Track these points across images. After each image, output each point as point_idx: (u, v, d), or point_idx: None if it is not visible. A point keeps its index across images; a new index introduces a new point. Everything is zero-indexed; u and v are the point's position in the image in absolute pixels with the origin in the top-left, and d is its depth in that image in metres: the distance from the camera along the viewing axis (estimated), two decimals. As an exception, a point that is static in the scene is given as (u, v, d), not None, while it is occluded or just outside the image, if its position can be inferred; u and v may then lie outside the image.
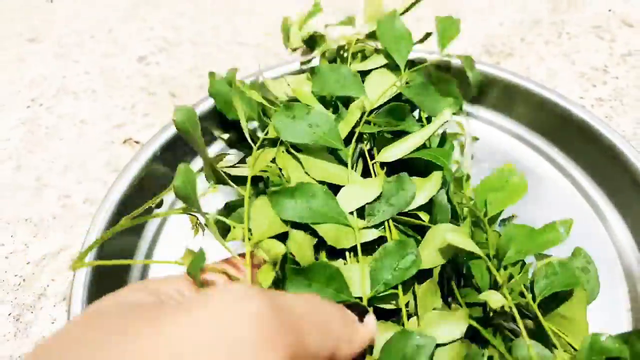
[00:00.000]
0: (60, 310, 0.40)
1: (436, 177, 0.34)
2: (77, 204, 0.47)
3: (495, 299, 0.28)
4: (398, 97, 0.40)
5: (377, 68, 0.43)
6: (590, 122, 0.44)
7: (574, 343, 0.29)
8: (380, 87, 0.41)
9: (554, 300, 0.31)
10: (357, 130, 0.37)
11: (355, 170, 0.36)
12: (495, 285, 0.32)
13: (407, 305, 0.30)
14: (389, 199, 0.33)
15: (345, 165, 0.35)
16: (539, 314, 0.29)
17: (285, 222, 0.31)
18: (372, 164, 0.36)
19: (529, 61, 0.59)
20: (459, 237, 0.30)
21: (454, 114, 0.45)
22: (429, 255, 0.31)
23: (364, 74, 0.42)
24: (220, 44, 0.65)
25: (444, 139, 0.40)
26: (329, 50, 0.47)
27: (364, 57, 0.45)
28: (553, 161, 0.48)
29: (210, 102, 0.46)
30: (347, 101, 0.40)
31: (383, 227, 0.33)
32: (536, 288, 0.30)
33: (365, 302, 0.28)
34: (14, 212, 0.47)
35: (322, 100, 0.40)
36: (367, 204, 0.33)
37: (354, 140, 0.36)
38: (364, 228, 0.32)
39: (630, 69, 0.57)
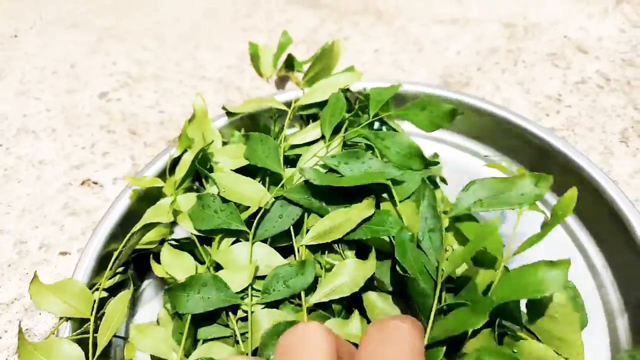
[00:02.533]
0: (12, 362, 0.40)
1: (367, 204, 0.35)
2: (32, 251, 0.47)
3: None
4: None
5: (314, 141, 0.44)
6: (563, 151, 0.45)
7: None
8: (308, 157, 0.42)
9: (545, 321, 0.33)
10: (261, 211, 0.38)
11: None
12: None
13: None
14: (286, 280, 0.35)
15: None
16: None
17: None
18: (298, 245, 0.38)
19: (485, 91, 0.60)
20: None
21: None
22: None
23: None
24: (183, 79, 0.65)
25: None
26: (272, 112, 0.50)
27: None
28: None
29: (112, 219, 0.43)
30: (272, 173, 0.42)
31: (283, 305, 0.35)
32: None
33: None
34: (-32, 261, 0.47)
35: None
36: (263, 281, 0.36)
37: (256, 220, 0.38)
38: (257, 303, 0.35)
39: (583, 97, 0.58)
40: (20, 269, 0.46)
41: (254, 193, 0.39)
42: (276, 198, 0.39)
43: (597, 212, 0.43)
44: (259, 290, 0.36)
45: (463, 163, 0.52)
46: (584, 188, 0.43)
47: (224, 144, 0.46)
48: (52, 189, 0.52)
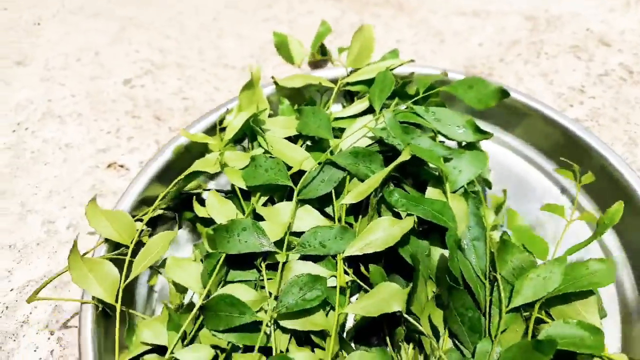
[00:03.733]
0: (43, 337, 0.41)
1: (407, 219, 0.36)
2: (60, 230, 0.48)
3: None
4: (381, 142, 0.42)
5: (359, 114, 0.45)
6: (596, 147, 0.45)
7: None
8: (357, 127, 0.44)
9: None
10: (307, 173, 0.40)
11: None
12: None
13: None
14: (323, 240, 0.37)
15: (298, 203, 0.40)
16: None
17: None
18: (338, 204, 0.39)
19: (508, 81, 0.60)
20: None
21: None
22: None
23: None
24: (205, 67, 0.66)
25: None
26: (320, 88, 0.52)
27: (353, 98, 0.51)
28: (557, 182, 0.49)
29: (158, 164, 0.46)
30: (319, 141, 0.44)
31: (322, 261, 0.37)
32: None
33: (266, 320, 0.34)
34: (-2, 239, 0.47)
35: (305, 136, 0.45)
36: (300, 236, 0.37)
37: (301, 181, 0.40)
38: (290, 253, 0.37)
39: (606, 89, 0.58)
40: (49, 248, 0.46)
41: (300, 156, 0.42)
42: (322, 163, 0.40)
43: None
44: (292, 248, 0.38)
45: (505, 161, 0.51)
46: (606, 180, 0.44)
47: (269, 116, 0.49)
48: (79, 172, 0.53)
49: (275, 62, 0.65)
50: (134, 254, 0.38)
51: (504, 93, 0.43)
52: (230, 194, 0.43)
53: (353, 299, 0.38)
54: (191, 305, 0.37)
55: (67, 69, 0.66)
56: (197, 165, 0.43)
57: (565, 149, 0.47)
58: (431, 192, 0.38)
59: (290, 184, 0.39)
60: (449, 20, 0.70)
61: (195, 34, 0.72)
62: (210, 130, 0.49)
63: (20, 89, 0.63)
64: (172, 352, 0.34)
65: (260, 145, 0.44)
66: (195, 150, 0.47)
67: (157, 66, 0.66)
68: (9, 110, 0.60)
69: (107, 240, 0.40)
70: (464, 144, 0.44)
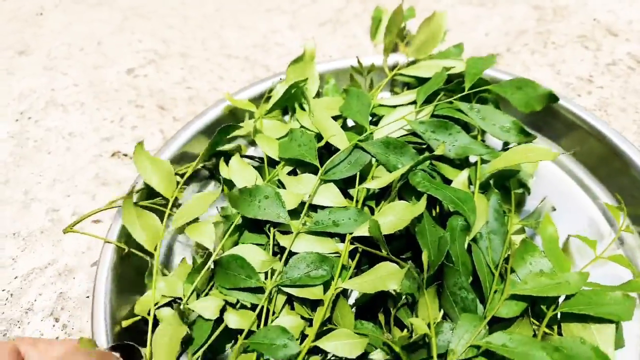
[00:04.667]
0: (48, 324, 0.40)
1: (420, 203, 0.35)
2: (64, 218, 0.47)
3: (419, 325, 0.31)
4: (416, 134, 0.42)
5: (404, 104, 0.45)
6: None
7: None
8: (395, 118, 0.44)
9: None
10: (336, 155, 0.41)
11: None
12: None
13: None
14: (337, 220, 0.37)
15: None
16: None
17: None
18: (359, 187, 0.40)
19: (515, 71, 0.59)
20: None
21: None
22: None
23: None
24: (209, 57, 0.65)
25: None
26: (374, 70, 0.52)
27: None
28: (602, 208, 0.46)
29: (203, 121, 0.48)
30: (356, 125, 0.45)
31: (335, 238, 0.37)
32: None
33: (268, 288, 0.35)
34: (2, 227, 0.47)
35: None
36: (314, 212, 0.38)
37: (330, 160, 0.40)
38: (304, 231, 0.37)
39: (614, 79, 0.58)
40: (53, 236, 0.46)
41: (335, 130, 0.42)
42: (355, 146, 0.41)
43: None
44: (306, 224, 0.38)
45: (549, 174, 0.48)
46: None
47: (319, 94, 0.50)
48: (83, 160, 0.53)
49: (280, 53, 0.65)
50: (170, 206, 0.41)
51: (552, 97, 0.42)
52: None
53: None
54: (206, 262, 0.38)
55: (70, 58, 0.66)
56: (232, 130, 0.44)
57: (617, 172, 0.45)
58: (457, 185, 0.38)
59: (317, 163, 0.40)
60: (455, 10, 0.70)
61: (198, 24, 0.71)
62: (259, 99, 0.50)
63: (23, 79, 0.63)
64: (186, 303, 0.35)
65: (298, 121, 0.45)
66: (242, 117, 0.49)
67: (160, 56, 0.65)
68: (12, 100, 0.60)
69: (145, 188, 0.42)
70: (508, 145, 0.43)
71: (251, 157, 0.46)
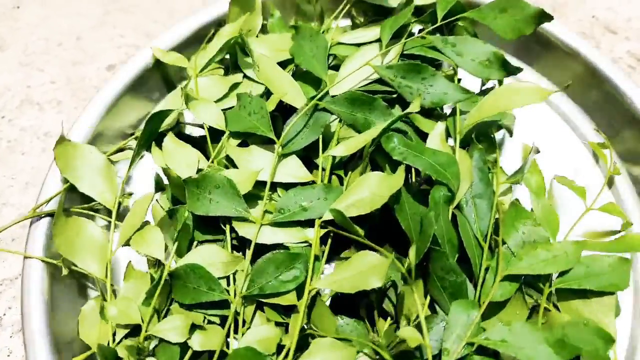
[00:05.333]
0: (18, 342, 0.38)
1: (397, 174, 0.31)
2: (38, 225, 0.44)
3: (412, 336, 0.26)
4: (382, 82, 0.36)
5: (367, 43, 0.38)
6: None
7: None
8: (357, 65, 0.37)
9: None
10: (293, 121, 0.34)
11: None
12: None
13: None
14: (305, 202, 0.32)
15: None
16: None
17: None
18: (324, 156, 0.34)
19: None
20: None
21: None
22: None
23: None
24: (195, 52, 0.62)
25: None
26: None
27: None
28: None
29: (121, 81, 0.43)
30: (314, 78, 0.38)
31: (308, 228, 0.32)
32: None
33: (235, 302, 0.31)
34: (-31, 234, 0.44)
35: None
36: (280, 200, 0.32)
37: (286, 129, 0.35)
38: (267, 224, 0.32)
39: (615, 77, 0.56)
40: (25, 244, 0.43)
41: (289, 87, 0.36)
42: (315, 107, 0.35)
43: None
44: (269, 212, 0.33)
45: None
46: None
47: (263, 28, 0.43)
48: (58, 162, 0.50)
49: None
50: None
51: (543, 17, 0.36)
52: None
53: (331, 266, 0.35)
54: (161, 275, 0.33)
55: (47, 53, 0.63)
56: (166, 104, 0.38)
57: (607, 104, 0.42)
58: (434, 140, 0.34)
59: (272, 135, 0.34)
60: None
61: (183, 18, 0.68)
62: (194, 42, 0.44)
63: (-3, 75, 0.59)
64: (146, 330, 0.30)
65: (242, 71, 0.39)
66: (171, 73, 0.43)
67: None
68: (-15, 97, 0.57)
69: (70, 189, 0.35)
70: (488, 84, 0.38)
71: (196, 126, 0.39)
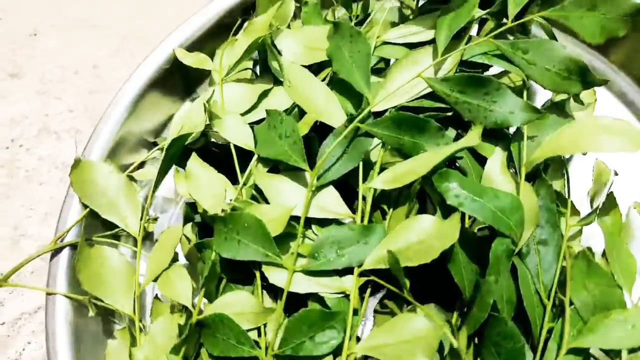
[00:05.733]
0: (37, 378, 0.37)
1: (453, 222, 0.27)
2: (57, 257, 0.44)
3: None
4: (433, 96, 0.31)
5: (419, 43, 0.33)
6: None
7: None
8: (406, 78, 0.31)
9: None
10: (330, 148, 0.30)
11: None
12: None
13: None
14: (342, 247, 0.29)
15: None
16: None
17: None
18: (365, 187, 0.30)
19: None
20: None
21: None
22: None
23: (412, 46, 0.33)
24: (211, 81, 0.63)
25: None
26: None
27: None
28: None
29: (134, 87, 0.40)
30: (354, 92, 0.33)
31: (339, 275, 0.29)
32: None
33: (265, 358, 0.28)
34: (-12, 266, 0.43)
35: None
36: (314, 243, 0.29)
37: (320, 161, 0.30)
38: (299, 271, 0.29)
39: None
40: (45, 277, 0.43)
41: (326, 103, 0.31)
42: (355, 130, 0.31)
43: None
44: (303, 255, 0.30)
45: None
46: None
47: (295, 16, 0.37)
48: (77, 192, 0.49)
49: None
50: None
51: None
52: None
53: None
54: (188, 321, 0.31)
55: (64, 82, 0.63)
56: (183, 138, 0.33)
57: None
58: (494, 169, 0.29)
59: (306, 166, 0.30)
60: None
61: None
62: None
63: (14, 103, 0.60)
64: None
65: (273, 73, 0.34)
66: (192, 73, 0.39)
67: (160, 80, 0.63)
68: (3, 126, 0.57)
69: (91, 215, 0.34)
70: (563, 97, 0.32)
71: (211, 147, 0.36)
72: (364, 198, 0.30)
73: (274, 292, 0.30)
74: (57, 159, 0.53)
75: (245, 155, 0.33)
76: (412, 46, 0.33)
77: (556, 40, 0.32)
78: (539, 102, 0.35)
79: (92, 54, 0.68)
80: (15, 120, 0.57)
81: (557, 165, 0.32)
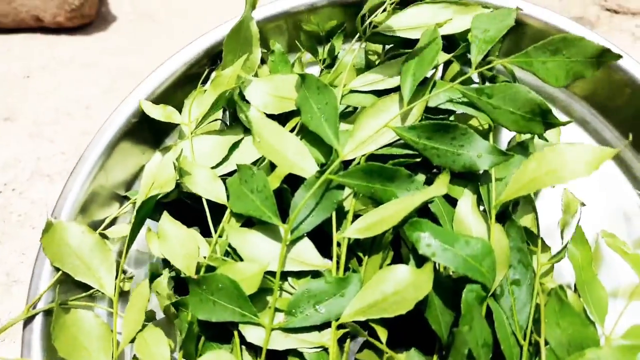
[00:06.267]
0: None
1: (426, 272, 0.27)
2: (49, 304, 0.44)
3: None
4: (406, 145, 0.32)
5: (385, 91, 0.33)
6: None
7: None
8: (374, 127, 0.32)
9: None
10: (302, 201, 0.31)
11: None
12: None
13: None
14: (319, 301, 0.29)
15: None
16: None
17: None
18: (339, 238, 0.31)
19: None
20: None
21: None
22: None
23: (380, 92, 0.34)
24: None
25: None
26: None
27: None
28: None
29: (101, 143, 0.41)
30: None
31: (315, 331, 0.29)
32: None
33: None
34: (-20, 315, 0.44)
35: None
36: (291, 300, 0.29)
37: (294, 211, 0.31)
38: (277, 329, 0.29)
39: None
40: (19, 343, 0.43)
41: (296, 155, 0.31)
42: (327, 182, 0.31)
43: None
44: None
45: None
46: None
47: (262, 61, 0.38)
48: (69, 236, 0.50)
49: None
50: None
51: (609, 56, 0.29)
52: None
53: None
54: None
55: (57, 123, 0.64)
56: (151, 199, 0.32)
57: None
58: (464, 210, 0.30)
59: (278, 221, 0.30)
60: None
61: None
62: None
63: (7, 146, 0.61)
64: None
65: (242, 124, 0.34)
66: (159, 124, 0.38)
67: (150, 119, 0.64)
68: (-4, 170, 0.58)
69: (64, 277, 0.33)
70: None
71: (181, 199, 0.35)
72: (338, 245, 0.31)
73: (254, 349, 0.30)
74: (49, 202, 0.54)
75: (218, 207, 0.33)
76: (379, 93, 0.34)
77: (516, 81, 0.33)
78: (504, 139, 0.38)
79: (84, 94, 0.69)
80: (8, 163, 0.58)
81: (527, 200, 0.33)
